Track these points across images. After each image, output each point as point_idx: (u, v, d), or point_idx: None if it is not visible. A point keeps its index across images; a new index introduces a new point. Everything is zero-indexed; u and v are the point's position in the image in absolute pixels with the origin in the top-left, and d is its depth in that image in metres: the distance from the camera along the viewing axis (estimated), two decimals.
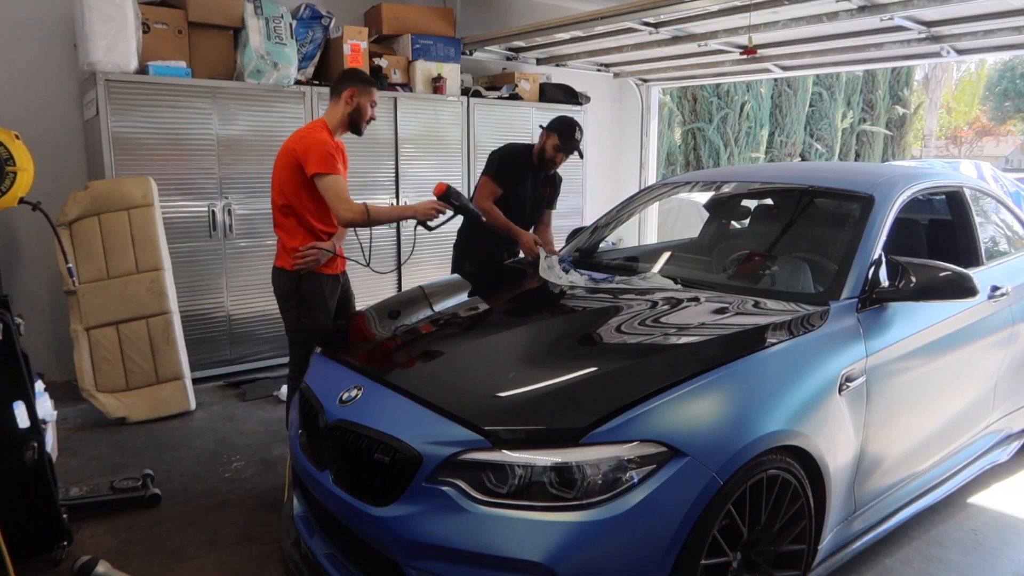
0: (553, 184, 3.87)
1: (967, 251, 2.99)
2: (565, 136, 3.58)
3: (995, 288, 2.84)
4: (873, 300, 2.34)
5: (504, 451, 1.73)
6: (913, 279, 2.31)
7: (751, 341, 2.06)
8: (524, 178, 3.70)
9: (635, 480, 1.68)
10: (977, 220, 3.05)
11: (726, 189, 3.49)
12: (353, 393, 2.08)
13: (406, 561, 1.79)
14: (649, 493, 1.66)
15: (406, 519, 1.79)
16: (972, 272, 2.84)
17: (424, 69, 5.27)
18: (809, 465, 2.00)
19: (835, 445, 2.08)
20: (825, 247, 2.67)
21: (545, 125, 3.67)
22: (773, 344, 2.04)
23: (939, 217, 3.29)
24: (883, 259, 2.41)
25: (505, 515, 1.69)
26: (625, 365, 2.01)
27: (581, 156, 3.71)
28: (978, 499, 2.99)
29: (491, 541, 1.67)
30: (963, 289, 2.30)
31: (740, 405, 1.86)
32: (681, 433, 1.74)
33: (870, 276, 2.38)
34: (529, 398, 1.94)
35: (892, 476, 2.44)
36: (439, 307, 2.71)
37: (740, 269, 2.84)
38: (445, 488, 1.75)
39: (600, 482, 1.67)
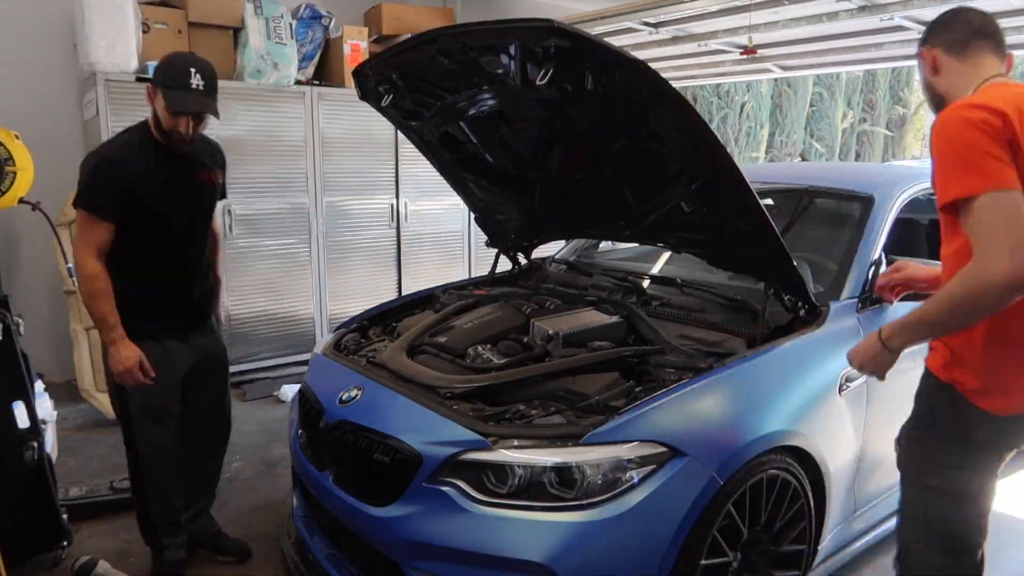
0: (213, 160, 2.47)
1: None
2: (176, 87, 2.15)
3: None
4: (873, 300, 2.34)
5: (504, 451, 1.73)
6: None
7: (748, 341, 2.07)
8: (157, 181, 2.24)
9: (635, 480, 1.68)
10: None
11: None
12: (353, 393, 2.08)
13: (406, 561, 1.79)
14: (649, 493, 1.66)
15: (406, 519, 1.79)
16: None
17: None
18: (809, 465, 2.00)
19: (835, 445, 2.08)
20: (825, 247, 2.66)
21: (151, 77, 2.28)
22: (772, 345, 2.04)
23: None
24: (883, 259, 2.41)
25: (505, 515, 1.69)
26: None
27: (216, 115, 2.21)
28: None
29: (491, 541, 1.68)
30: None
31: (740, 405, 1.86)
32: (681, 433, 1.74)
33: (870, 276, 2.38)
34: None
35: (893, 476, 2.43)
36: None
37: None
38: (445, 488, 1.76)
39: (600, 482, 1.68)
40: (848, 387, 2.11)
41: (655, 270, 2.82)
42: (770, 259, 2.07)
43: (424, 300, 3.00)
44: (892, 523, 2.50)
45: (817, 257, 2.65)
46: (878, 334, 1.59)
